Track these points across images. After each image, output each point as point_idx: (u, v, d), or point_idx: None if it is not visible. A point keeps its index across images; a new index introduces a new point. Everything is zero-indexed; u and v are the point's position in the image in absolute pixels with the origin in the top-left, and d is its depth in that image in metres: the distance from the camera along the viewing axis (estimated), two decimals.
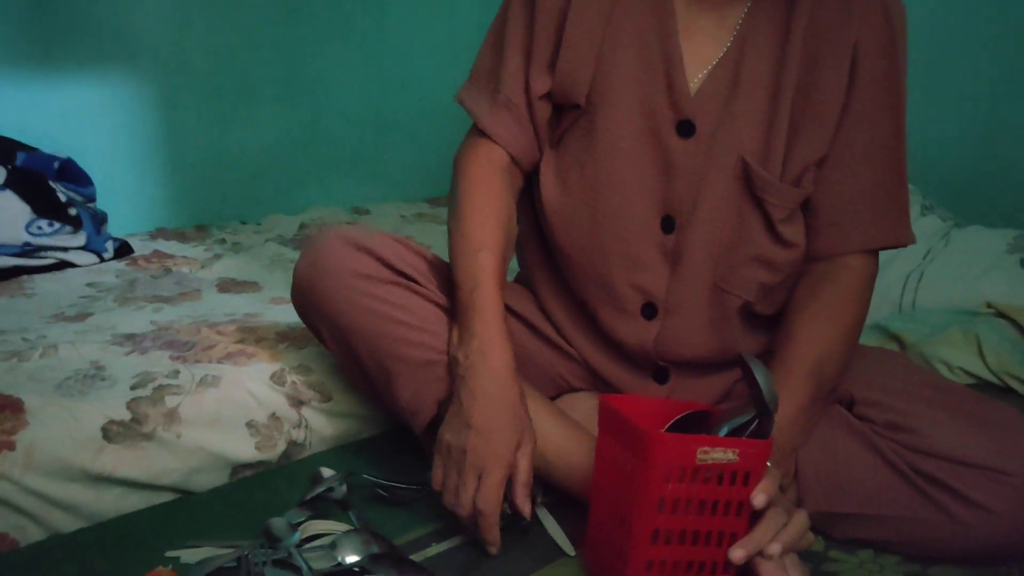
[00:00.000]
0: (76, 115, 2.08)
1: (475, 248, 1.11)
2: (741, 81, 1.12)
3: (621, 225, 1.15)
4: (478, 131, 1.19)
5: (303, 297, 1.19)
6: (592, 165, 1.15)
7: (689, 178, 1.13)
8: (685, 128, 1.13)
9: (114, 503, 1.13)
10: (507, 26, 1.18)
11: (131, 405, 1.17)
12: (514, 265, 1.33)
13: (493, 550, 1.04)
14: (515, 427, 1.04)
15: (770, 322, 1.21)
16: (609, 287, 1.18)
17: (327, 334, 1.19)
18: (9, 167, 1.85)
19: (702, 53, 1.13)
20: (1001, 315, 1.66)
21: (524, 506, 1.04)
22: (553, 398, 1.25)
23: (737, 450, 0.95)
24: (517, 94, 1.17)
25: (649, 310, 1.17)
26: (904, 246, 1.20)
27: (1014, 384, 1.54)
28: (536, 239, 1.26)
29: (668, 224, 1.15)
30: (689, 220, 1.14)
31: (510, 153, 1.18)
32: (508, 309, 1.21)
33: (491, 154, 1.17)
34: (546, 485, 1.14)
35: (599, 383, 1.26)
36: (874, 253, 1.18)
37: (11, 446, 1.08)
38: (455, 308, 1.12)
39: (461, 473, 1.03)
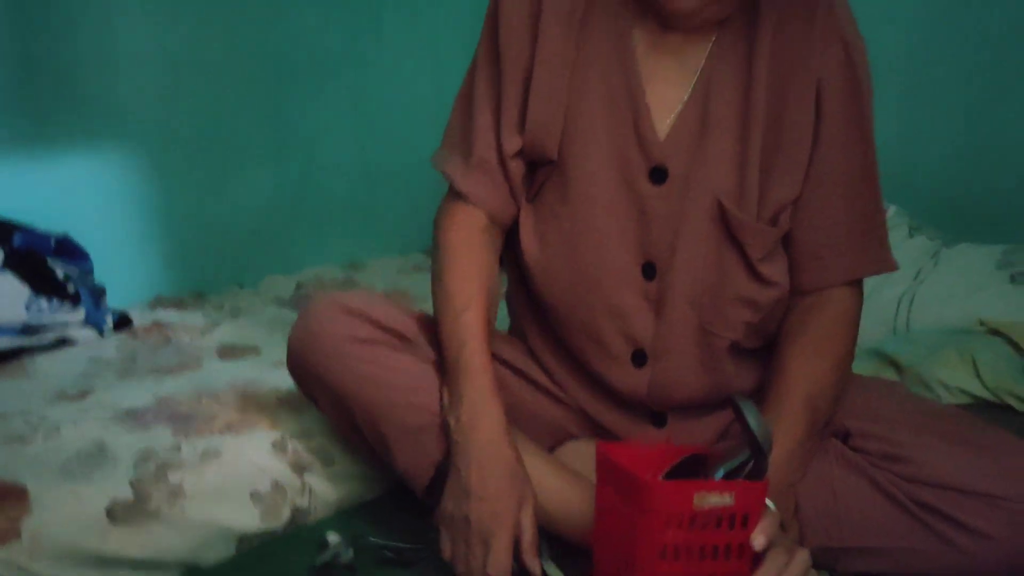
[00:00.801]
0: (70, 190, 2.11)
1: (459, 308, 1.12)
2: (709, 123, 1.13)
3: (603, 275, 1.16)
4: (455, 193, 1.20)
5: (298, 366, 1.21)
6: (569, 217, 1.16)
7: (665, 223, 1.14)
8: (657, 174, 1.14)
9: None
10: (475, 87, 1.19)
11: (134, 484, 1.18)
12: (504, 316, 1.35)
13: None
14: (514, 488, 1.05)
15: (761, 357, 1.22)
16: (597, 337, 1.18)
17: (323, 401, 1.21)
18: (6, 248, 1.87)
19: (667, 98, 1.14)
20: (995, 332, 1.67)
21: (533, 566, 1.05)
22: (552, 447, 1.26)
23: (734, 493, 0.96)
24: (489, 154, 1.18)
25: (639, 357, 1.18)
26: (887, 272, 1.21)
27: (1012, 401, 1.55)
28: (523, 291, 1.27)
29: (649, 271, 1.16)
30: (669, 265, 1.15)
31: (488, 212, 1.19)
32: (502, 360, 1.23)
33: (470, 215, 1.19)
34: (550, 536, 1.14)
35: (597, 429, 1.26)
36: (858, 283, 1.20)
37: (16, 534, 1.08)
38: (443, 369, 1.13)
39: (468, 542, 1.04)
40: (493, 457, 1.05)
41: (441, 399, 1.12)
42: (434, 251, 1.20)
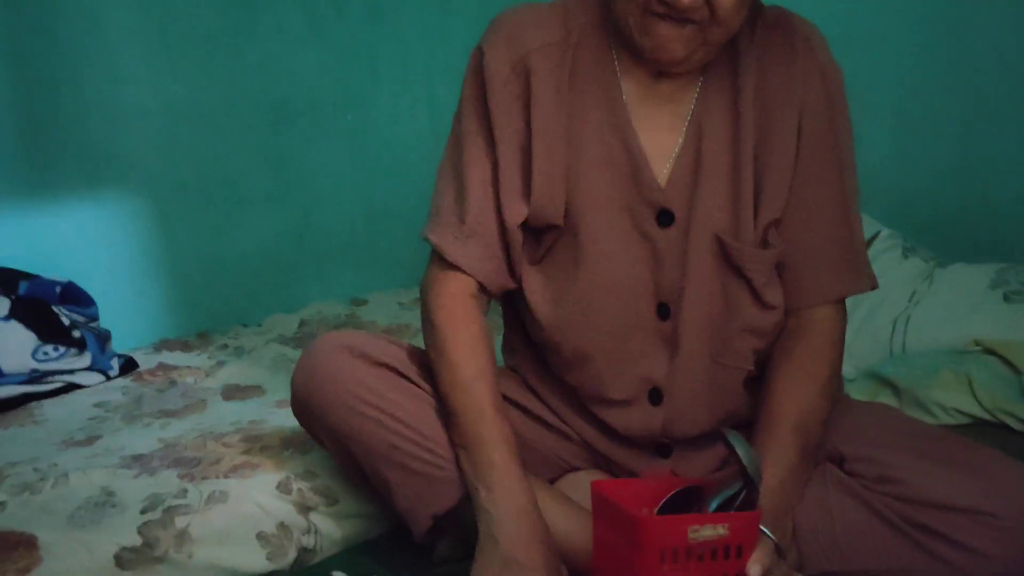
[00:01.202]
0: (73, 237, 2.14)
1: (470, 379, 1.13)
2: (703, 163, 1.16)
3: (620, 324, 1.18)
4: (443, 262, 1.19)
5: (301, 406, 1.22)
6: (582, 275, 1.17)
7: (675, 264, 1.16)
8: (665, 217, 1.16)
9: None
10: (464, 158, 1.18)
11: (142, 530, 1.20)
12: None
13: None
14: (549, 559, 1.07)
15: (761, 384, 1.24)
16: (610, 386, 1.20)
17: (327, 441, 1.22)
18: (12, 297, 1.90)
19: (663, 145, 1.16)
20: (990, 352, 1.68)
21: None
22: (553, 479, 1.27)
23: (727, 524, 0.98)
24: (484, 225, 1.17)
25: (655, 396, 1.20)
26: (866, 291, 1.23)
27: (1009, 420, 1.56)
28: (524, 339, 1.28)
29: (664, 311, 1.18)
30: (680, 304, 1.17)
31: (479, 281, 1.19)
32: (503, 396, 1.24)
33: (460, 283, 1.18)
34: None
35: (600, 461, 1.28)
36: (840, 303, 1.22)
37: None
38: (456, 437, 1.14)
39: None
40: (530, 528, 1.07)
41: (457, 460, 1.14)
42: (427, 322, 1.19)
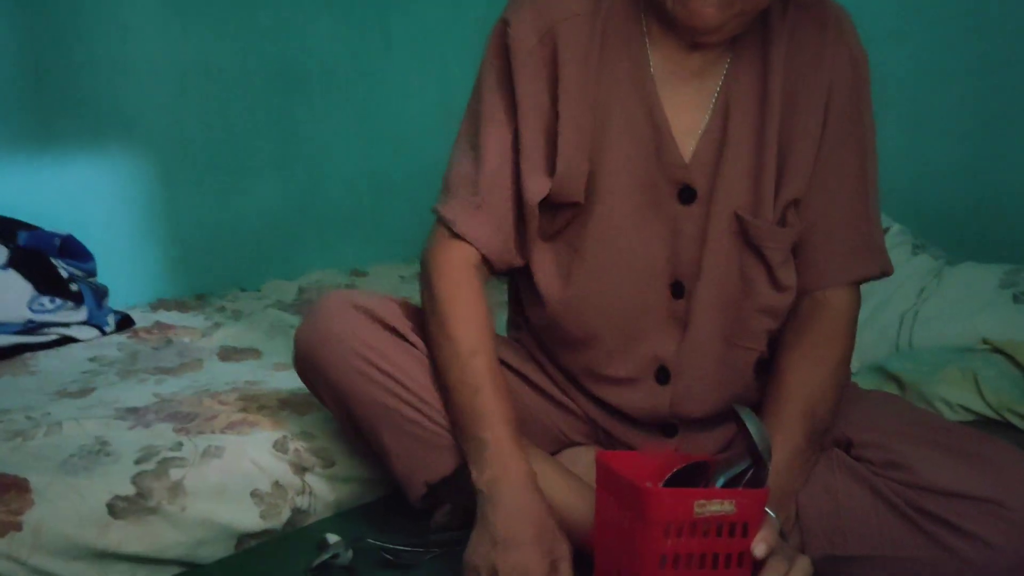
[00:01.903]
0: (75, 191, 2.12)
1: (467, 354, 1.11)
2: (728, 141, 1.14)
3: (632, 300, 1.16)
4: (449, 232, 1.17)
5: (304, 362, 1.21)
6: (593, 252, 1.15)
7: (693, 242, 1.15)
8: (686, 194, 1.14)
9: None
10: (482, 132, 1.15)
11: (136, 480, 1.18)
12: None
13: None
14: (543, 541, 1.04)
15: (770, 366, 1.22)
16: (616, 365, 1.18)
17: (328, 399, 1.21)
18: (11, 246, 1.88)
19: (689, 121, 1.15)
20: (997, 351, 1.67)
21: None
22: (554, 452, 1.26)
23: (734, 501, 0.96)
24: (497, 197, 1.15)
25: (663, 375, 1.18)
26: (882, 277, 1.22)
27: (1014, 419, 1.55)
28: (527, 321, 1.26)
29: (678, 289, 1.16)
30: (696, 283, 1.15)
31: (484, 254, 1.16)
32: (505, 364, 1.23)
33: (464, 253, 1.16)
34: None
35: (601, 436, 1.26)
36: (854, 287, 1.20)
37: (18, 527, 1.08)
38: (452, 413, 1.12)
39: None
40: (523, 508, 1.05)
41: (455, 438, 1.12)
42: (428, 290, 1.16)
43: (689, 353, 1.17)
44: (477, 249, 1.16)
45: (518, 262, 1.19)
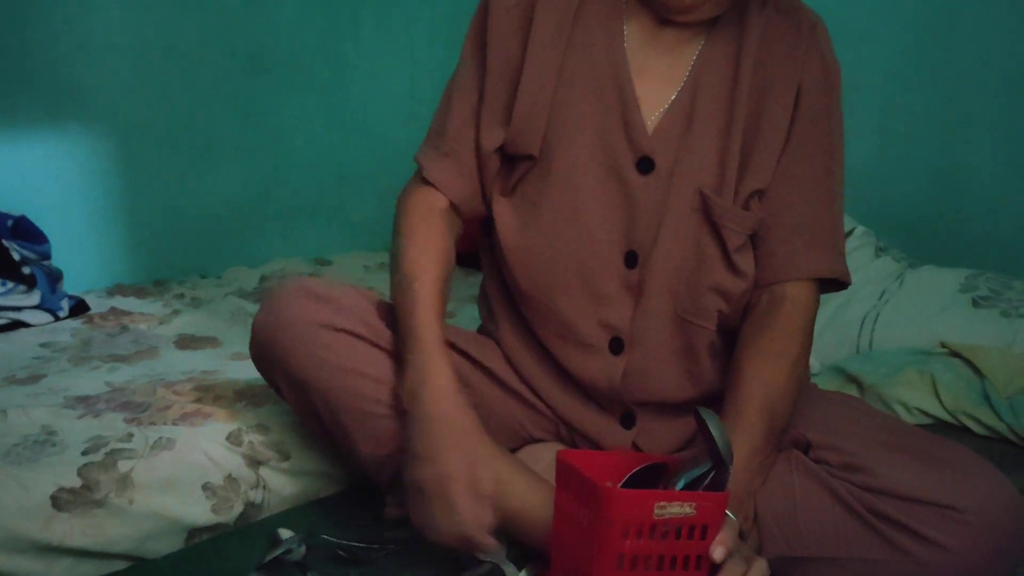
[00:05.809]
0: (31, 172, 2.06)
1: (410, 279, 1.13)
2: (695, 118, 1.16)
3: (584, 263, 1.18)
4: (422, 178, 1.22)
5: (261, 350, 1.18)
6: (551, 207, 1.18)
7: (650, 213, 1.16)
8: (645, 164, 1.16)
9: (65, 573, 1.11)
10: (455, 82, 1.22)
11: (82, 471, 1.15)
12: (475, 317, 1.33)
13: (493, 551, 1.05)
14: (460, 446, 1.04)
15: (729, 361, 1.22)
16: (574, 326, 1.19)
17: (285, 388, 1.19)
18: None
19: (656, 93, 1.17)
20: (955, 355, 1.69)
21: (483, 540, 1.04)
22: (514, 450, 1.24)
23: (694, 504, 0.95)
24: (462, 145, 1.20)
25: (616, 345, 1.19)
26: (840, 280, 1.22)
27: (969, 423, 1.56)
28: (498, 285, 1.27)
29: (631, 259, 1.18)
30: (651, 254, 1.17)
31: (452, 200, 1.21)
32: (470, 358, 1.23)
33: (432, 197, 1.21)
34: (510, 538, 1.13)
35: (562, 432, 1.26)
36: (813, 284, 1.20)
37: None
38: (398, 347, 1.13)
39: (429, 509, 1.03)
40: (438, 418, 1.05)
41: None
42: (394, 229, 1.20)
43: (641, 324, 1.18)
44: (444, 194, 1.20)
45: (484, 211, 1.23)
